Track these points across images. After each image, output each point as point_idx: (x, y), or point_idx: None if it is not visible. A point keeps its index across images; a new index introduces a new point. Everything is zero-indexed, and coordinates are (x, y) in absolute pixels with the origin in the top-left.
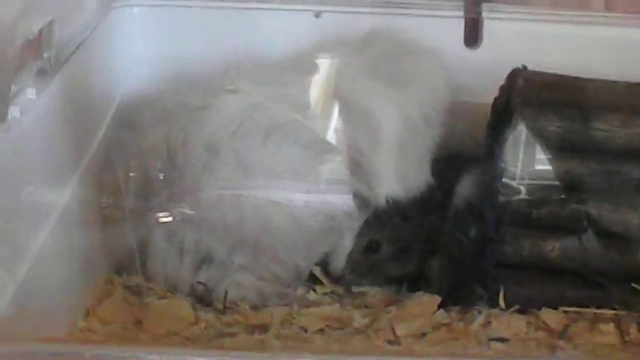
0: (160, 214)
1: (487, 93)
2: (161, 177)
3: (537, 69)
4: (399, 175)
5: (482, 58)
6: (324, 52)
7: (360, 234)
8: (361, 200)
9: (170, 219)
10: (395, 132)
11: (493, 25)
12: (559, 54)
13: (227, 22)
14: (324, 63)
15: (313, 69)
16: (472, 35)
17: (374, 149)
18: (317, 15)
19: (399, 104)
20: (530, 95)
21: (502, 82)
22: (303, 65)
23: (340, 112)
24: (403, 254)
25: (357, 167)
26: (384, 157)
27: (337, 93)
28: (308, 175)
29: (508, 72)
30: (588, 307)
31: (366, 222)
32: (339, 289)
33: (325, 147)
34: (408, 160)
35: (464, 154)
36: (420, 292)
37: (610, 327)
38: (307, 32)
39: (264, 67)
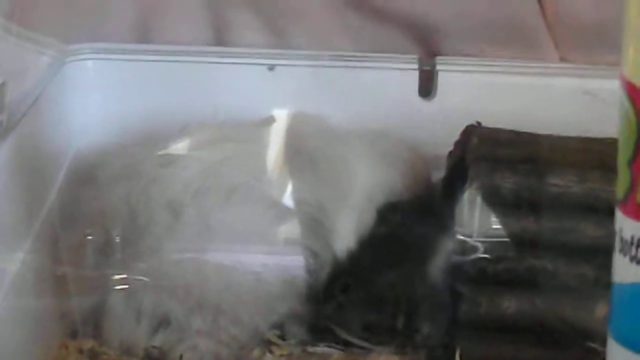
0: (119, 275)
1: (442, 145)
2: (121, 238)
3: (491, 119)
4: (360, 231)
5: (436, 109)
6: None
7: (316, 296)
8: (321, 261)
9: (128, 280)
10: (362, 186)
11: (447, 77)
12: (513, 105)
13: (183, 75)
14: (290, 119)
15: (276, 123)
16: (426, 87)
17: (338, 207)
18: (271, 68)
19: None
20: (484, 153)
21: (456, 132)
22: (265, 120)
23: (306, 169)
24: (362, 314)
25: (319, 226)
26: (348, 214)
27: (303, 149)
28: (268, 235)
29: (462, 122)
30: None
31: (321, 286)
32: (296, 350)
33: (285, 207)
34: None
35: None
36: (379, 351)
37: None
38: (263, 85)
39: (224, 123)
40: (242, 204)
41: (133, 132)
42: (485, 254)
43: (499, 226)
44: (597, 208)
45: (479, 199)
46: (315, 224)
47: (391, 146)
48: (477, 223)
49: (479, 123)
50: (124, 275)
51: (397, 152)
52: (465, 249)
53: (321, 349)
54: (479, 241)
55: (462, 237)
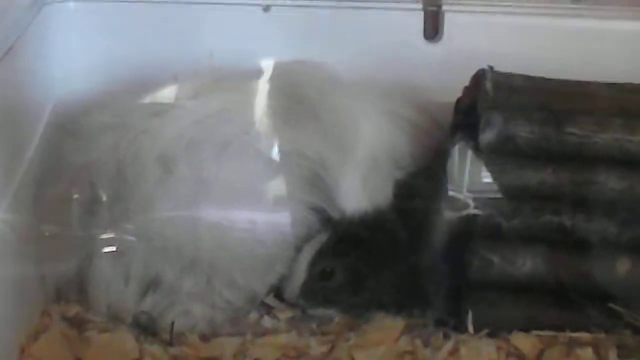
0: (105, 235)
1: (450, 91)
2: (108, 194)
3: (502, 64)
4: (366, 191)
5: (442, 52)
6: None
7: (314, 259)
8: (322, 218)
9: (116, 240)
10: (368, 143)
11: (454, 18)
12: (525, 48)
13: (172, 18)
14: (289, 66)
15: (274, 71)
16: (432, 29)
17: (341, 162)
18: (266, 9)
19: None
20: (497, 100)
21: (464, 78)
22: (262, 67)
23: (307, 120)
24: (359, 280)
25: (320, 181)
26: (353, 171)
27: (304, 99)
28: (267, 191)
29: (471, 67)
30: (563, 329)
31: (321, 247)
32: (296, 313)
33: (284, 161)
34: (377, 176)
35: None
36: (382, 316)
37: (588, 351)
38: (258, 28)
39: (218, 71)
40: (238, 157)
41: (120, 81)
42: (498, 209)
43: (513, 179)
44: (620, 159)
45: (491, 150)
46: (316, 180)
47: (399, 106)
48: (489, 176)
49: (491, 67)
50: (111, 235)
51: (406, 113)
52: (476, 205)
53: (322, 311)
54: (491, 197)
55: (471, 193)
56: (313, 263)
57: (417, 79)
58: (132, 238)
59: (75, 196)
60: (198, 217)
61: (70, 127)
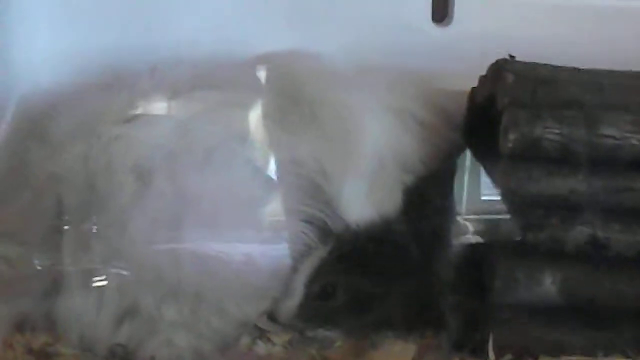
0: (75, 254)
1: (462, 79)
2: (77, 209)
3: (519, 50)
4: (373, 201)
5: (452, 36)
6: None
7: (312, 277)
8: (322, 233)
9: (86, 262)
10: (374, 146)
11: None
12: (545, 31)
13: (150, 3)
14: (283, 58)
15: (266, 64)
16: (441, 11)
17: (343, 169)
18: None
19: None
20: (522, 95)
21: (478, 65)
22: (252, 60)
23: (303, 121)
24: (364, 300)
25: (319, 192)
26: (357, 179)
27: (300, 96)
28: (258, 206)
29: (483, 53)
30: (596, 354)
31: (321, 262)
32: (293, 336)
33: (280, 171)
34: (384, 183)
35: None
36: (391, 340)
37: None
38: (245, 12)
39: (201, 64)
40: (224, 167)
41: (91, 75)
42: (523, 220)
43: (539, 187)
44: None
45: (514, 153)
46: (315, 190)
47: (407, 101)
48: (512, 182)
49: (512, 57)
50: (82, 255)
51: (415, 110)
52: (495, 214)
53: (322, 333)
54: (514, 204)
55: (489, 199)
56: (311, 281)
57: (425, 66)
58: (104, 260)
59: (40, 210)
60: (179, 237)
61: (35, 131)
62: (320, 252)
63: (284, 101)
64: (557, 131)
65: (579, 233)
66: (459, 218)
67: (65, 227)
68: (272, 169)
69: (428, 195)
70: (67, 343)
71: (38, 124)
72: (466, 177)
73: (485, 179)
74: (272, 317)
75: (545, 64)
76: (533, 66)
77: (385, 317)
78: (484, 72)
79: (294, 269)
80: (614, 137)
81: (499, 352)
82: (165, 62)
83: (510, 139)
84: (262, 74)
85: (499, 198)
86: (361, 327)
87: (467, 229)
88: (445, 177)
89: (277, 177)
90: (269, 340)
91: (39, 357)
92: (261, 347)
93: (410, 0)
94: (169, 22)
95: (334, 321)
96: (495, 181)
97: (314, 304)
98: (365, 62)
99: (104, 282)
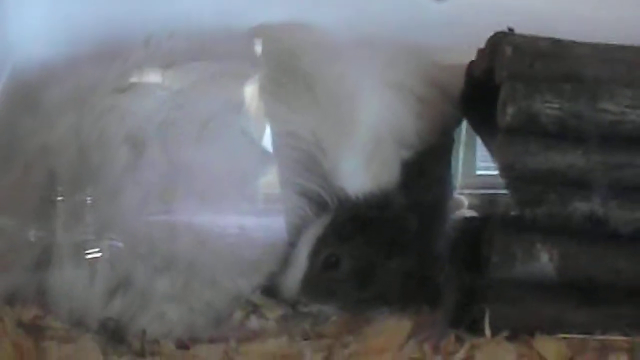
0: (67, 226)
1: (460, 53)
2: (69, 180)
3: (520, 23)
4: (370, 175)
5: (449, 9)
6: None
7: (316, 248)
8: (319, 205)
9: (79, 233)
10: (371, 120)
11: None
12: (548, 3)
13: None
14: (279, 30)
15: (262, 36)
16: None
17: (340, 143)
18: None
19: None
20: (520, 68)
21: (476, 39)
22: (248, 31)
23: (300, 94)
24: (367, 269)
25: (316, 165)
26: (353, 153)
27: (296, 69)
28: (254, 178)
29: (483, 26)
30: (594, 332)
31: (323, 233)
32: (287, 311)
33: (276, 143)
34: (381, 157)
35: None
36: (386, 316)
37: (623, 358)
38: None
39: (196, 35)
40: (219, 138)
41: (84, 45)
42: (521, 195)
43: (537, 162)
44: None
45: (512, 127)
46: (311, 163)
47: (404, 75)
48: (510, 156)
49: (511, 30)
50: (74, 227)
51: (412, 84)
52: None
53: (317, 308)
54: (512, 179)
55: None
56: (315, 251)
57: (423, 40)
58: (96, 231)
59: (32, 182)
60: (173, 209)
61: (27, 101)
62: (320, 224)
63: (280, 74)
64: (556, 105)
65: (577, 209)
66: (456, 192)
67: (58, 199)
68: (267, 141)
69: (425, 169)
70: (58, 317)
71: (30, 95)
72: (462, 152)
73: (483, 153)
74: (266, 291)
75: (544, 37)
76: (532, 39)
77: (383, 291)
78: (482, 46)
79: (290, 243)
80: (612, 112)
81: (495, 329)
82: (160, 34)
83: (508, 113)
84: (258, 46)
85: (496, 173)
86: (359, 302)
87: (463, 204)
88: (443, 151)
89: (273, 150)
90: (262, 315)
91: (29, 330)
92: (254, 323)
93: None
94: None
95: (335, 294)
96: (493, 155)
97: (318, 276)
98: (363, 35)
99: (97, 254)
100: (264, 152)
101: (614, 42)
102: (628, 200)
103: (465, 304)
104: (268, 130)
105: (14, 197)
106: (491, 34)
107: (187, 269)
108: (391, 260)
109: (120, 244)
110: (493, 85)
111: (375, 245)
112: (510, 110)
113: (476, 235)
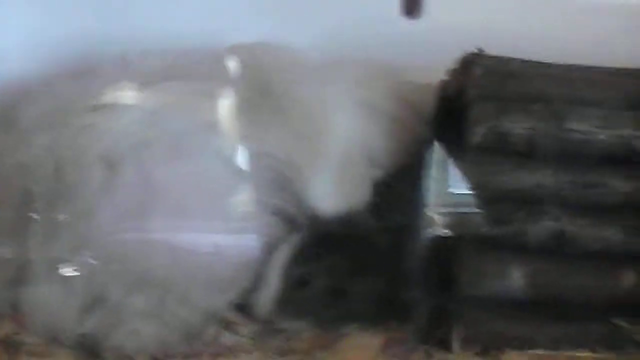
0: (43, 243)
1: (431, 73)
2: (44, 199)
3: (493, 44)
4: (341, 194)
5: (422, 30)
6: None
7: (288, 266)
8: (291, 224)
9: (53, 251)
10: (342, 140)
11: None
12: (520, 25)
13: None
14: (252, 50)
15: (234, 56)
16: (412, 3)
17: (312, 162)
18: None
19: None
20: (490, 88)
21: (449, 60)
22: (221, 51)
23: (272, 114)
24: (339, 286)
25: (288, 184)
26: (325, 172)
27: (269, 89)
28: (226, 197)
29: (456, 48)
30: (562, 348)
31: (296, 251)
32: (259, 327)
33: (248, 162)
34: (352, 177)
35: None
36: (357, 332)
37: None
38: (215, 3)
39: (171, 54)
40: (192, 158)
41: (60, 64)
42: (491, 214)
43: (506, 181)
44: (627, 158)
45: (481, 147)
46: (283, 182)
47: (375, 95)
48: (480, 176)
49: (480, 50)
50: (49, 245)
51: (383, 104)
52: (463, 207)
53: (290, 324)
54: (482, 198)
55: (457, 192)
56: (287, 269)
57: (395, 59)
58: (72, 249)
59: (6, 200)
60: (147, 227)
61: (3, 120)
62: (293, 243)
63: (254, 94)
64: (524, 125)
65: (545, 227)
66: (427, 211)
67: (34, 216)
68: (241, 160)
69: (396, 188)
70: (33, 332)
71: (6, 112)
72: (434, 170)
73: (453, 172)
74: (239, 308)
75: (514, 58)
76: (502, 60)
77: (354, 308)
78: (453, 66)
79: (263, 261)
80: (581, 132)
81: (465, 345)
82: (135, 53)
83: (477, 133)
84: (232, 66)
85: (467, 191)
86: (331, 318)
87: (434, 222)
88: (414, 170)
89: (246, 169)
90: (235, 331)
91: (4, 346)
92: (227, 338)
93: None
94: (140, 12)
95: (307, 311)
96: (464, 174)
97: (290, 293)
98: (335, 54)
99: (72, 272)
100: (238, 171)
101: (584, 63)
102: (596, 218)
103: (435, 321)
104: (242, 150)
105: None
106: (462, 54)
107: (161, 286)
108: (362, 278)
109: (95, 262)
110: (464, 105)
111: (346, 264)
112: (479, 129)
113: (447, 252)
